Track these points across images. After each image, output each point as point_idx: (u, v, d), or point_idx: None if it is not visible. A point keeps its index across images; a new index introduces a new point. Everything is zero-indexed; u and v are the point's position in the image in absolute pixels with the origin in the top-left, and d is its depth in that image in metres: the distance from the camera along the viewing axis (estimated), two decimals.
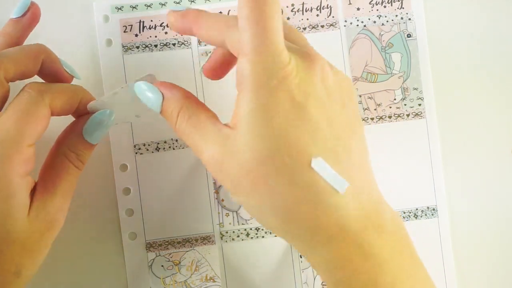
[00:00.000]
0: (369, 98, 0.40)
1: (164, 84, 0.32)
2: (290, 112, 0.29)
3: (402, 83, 0.40)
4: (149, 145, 0.39)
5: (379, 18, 0.40)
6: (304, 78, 0.30)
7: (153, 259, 0.39)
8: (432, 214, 0.40)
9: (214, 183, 0.40)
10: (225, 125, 0.31)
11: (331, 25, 0.40)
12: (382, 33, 0.40)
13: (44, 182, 0.33)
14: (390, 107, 0.40)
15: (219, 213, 0.40)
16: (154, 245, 0.39)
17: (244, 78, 0.29)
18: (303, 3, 0.40)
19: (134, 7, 0.39)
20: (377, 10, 0.40)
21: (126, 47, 0.39)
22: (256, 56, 0.29)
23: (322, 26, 0.40)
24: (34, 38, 0.37)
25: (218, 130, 0.30)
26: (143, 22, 0.39)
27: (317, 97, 0.30)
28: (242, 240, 0.40)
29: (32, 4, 0.36)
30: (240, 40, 0.29)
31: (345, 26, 0.40)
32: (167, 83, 0.32)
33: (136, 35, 0.39)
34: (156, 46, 0.39)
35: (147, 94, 0.32)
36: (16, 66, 0.33)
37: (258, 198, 0.30)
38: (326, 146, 0.30)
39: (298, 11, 0.40)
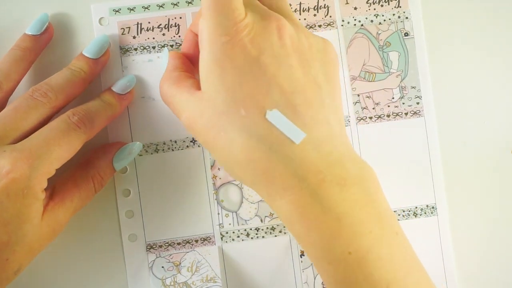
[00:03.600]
0: (368, 97, 0.40)
1: (171, 53, 0.37)
2: (244, 66, 0.30)
3: (400, 82, 0.40)
4: (148, 146, 0.39)
5: (376, 17, 0.40)
6: (260, 34, 0.31)
7: (154, 260, 0.39)
8: (432, 213, 0.40)
9: (214, 183, 0.40)
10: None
11: (329, 24, 0.40)
12: (379, 32, 0.40)
13: (63, 195, 0.35)
14: (389, 106, 0.40)
15: (218, 213, 0.40)
16: (154, 246, 0.39)
17: (201, 37, 0.31)
18: (300, 3, 0.40)
19: (132, 9, 0.39)
20: (374, 9, 0.40)
21: (124, 49, 0.39)
22: (209, 13, 0.30)
23: (320, 26, 0.40)
24: None
25: (191, 94, 0.32)
26: (141, 24, 0.39)
27: (273, 53, 0.31)
28: (242, 240, 0.40)
29: (49, 23, 0.38)
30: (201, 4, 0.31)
31: (342, 25, 0.40)
32: (174, 53, 0.36)
33: (134, 37, 0.39)
34: (154, 48, 0.39)
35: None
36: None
37: (221, 151, 0.31)
38: (282, 98, 0.31)
39: (295, 11, 0.40)
